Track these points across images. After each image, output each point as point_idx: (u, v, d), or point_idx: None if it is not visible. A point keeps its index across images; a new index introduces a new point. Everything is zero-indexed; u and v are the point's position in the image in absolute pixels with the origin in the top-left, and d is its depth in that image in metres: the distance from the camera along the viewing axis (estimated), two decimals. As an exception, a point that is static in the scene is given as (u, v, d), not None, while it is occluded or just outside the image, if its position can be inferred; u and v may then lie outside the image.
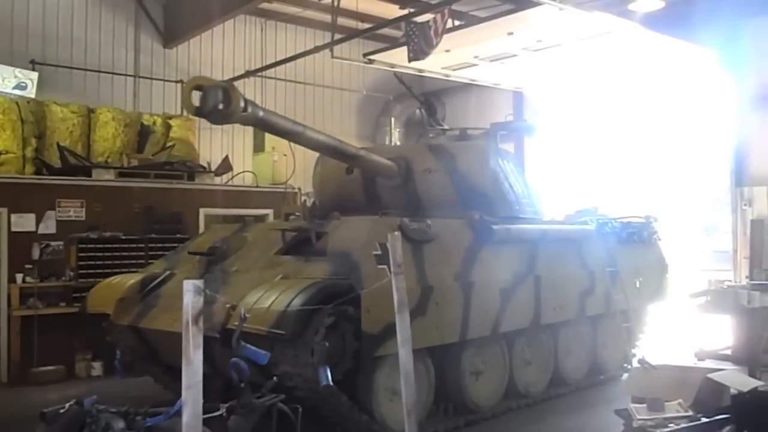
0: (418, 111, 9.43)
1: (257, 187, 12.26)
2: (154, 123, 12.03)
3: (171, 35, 13.11)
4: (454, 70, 12.76)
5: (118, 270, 8.92)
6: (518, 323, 7.54)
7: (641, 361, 8.06)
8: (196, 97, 5.54)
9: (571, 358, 8.63)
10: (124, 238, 10.11)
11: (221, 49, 13.96)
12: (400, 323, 4.68)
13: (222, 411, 4.54)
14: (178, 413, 3.66)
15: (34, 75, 11.51)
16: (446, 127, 9.62)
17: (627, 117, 13.96)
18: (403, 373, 4.71)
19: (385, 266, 5.82)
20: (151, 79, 12.97)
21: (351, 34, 12.30)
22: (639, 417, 5.24)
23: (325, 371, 5.53)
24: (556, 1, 9.37)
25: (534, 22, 10.29)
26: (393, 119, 14.95)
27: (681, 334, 10.92)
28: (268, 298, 5.96)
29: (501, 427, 7.28)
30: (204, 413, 4.07)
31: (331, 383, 5.57)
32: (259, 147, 13.29)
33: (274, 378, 5.43)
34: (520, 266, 7.60)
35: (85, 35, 12.38)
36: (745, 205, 12.06)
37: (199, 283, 3.31)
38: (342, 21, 12.90)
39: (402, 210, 7.73)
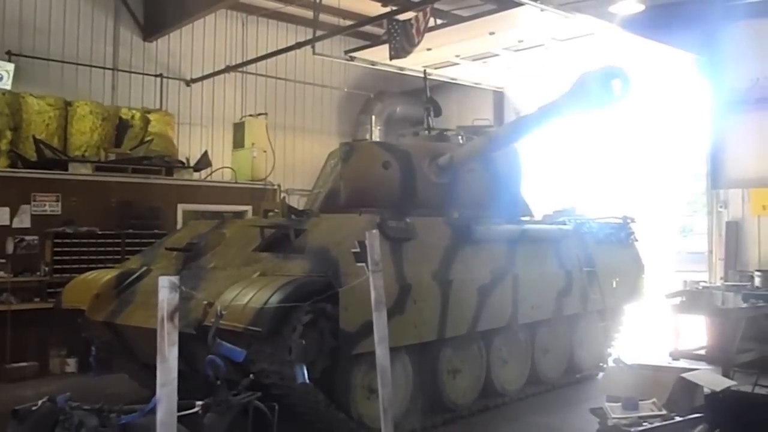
0: (424, 110, 9.37)
1: (236, 183, 12.20)
2: (133, 117, 11.92)
3: (151, 28, 12.99)
4: (435, 68, 12.77)
5: (94, 265, 8.83)
6: (496, 322, 7.57)
7: (616, 361, 8.14)
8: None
9: (548, 357, 8.67)
10: (100, 233, 10.00)
11: (202, 44, 13.85)
12: (378, 321, 4.68)
13: (197, 409, 4.50)
14: (153, 411, 3.62)
15: (10, 66, 11.33)
16: (449, 127, 9.61)
17: (605, 118, 14.05)
18: (380, 371, 4.71)
19: (363, 264, 5.81)
20: (130, 72, 12.83)
21: (333, 31, 12.27)
22: (614, 416, 5.29)
23: (302, 369, 5.53)
24: (538, 1, 9.42)
25: (516, 22, 10.34)
26: (374, 117, 14.93)
27: (656, 334, 11.01)
28: (246, 296, 5.94)
29: (478, 426, 7.31)
30: (179, 411, 4.04)
31: (307, 381, 5.56)
32: (238, 143, 13.20)
33: (251, 375, 5.41)
34: (499, 265, 7.63)
35: (63, 27, 12.22)
36: (721, 207, 12.20)
37: (175, 279, 3.29)
38: (324, 18, 12.86)
39: (436, 208, 7.77)
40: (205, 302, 6.04)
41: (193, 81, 13.41)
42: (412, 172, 8.10)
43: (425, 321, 6.78)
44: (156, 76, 13.07)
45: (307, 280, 6.06)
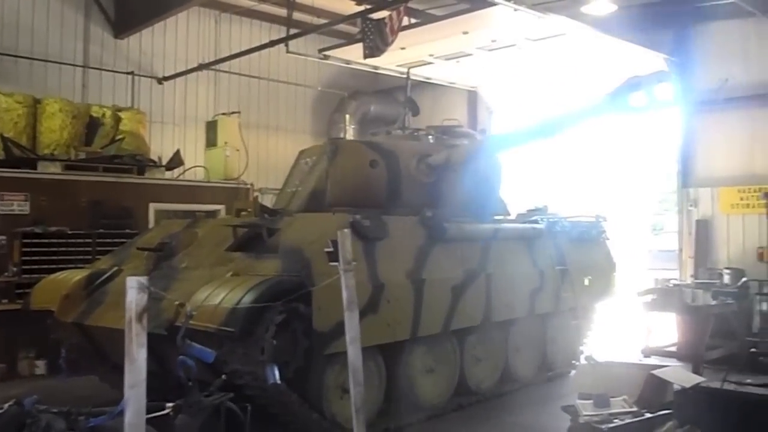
0: (402, 110, 9.39)
1: (209, 182, 12.10)
2: (104, 115, 11.74)
3: (122, 25, 12.82)
4: (409, 67, 12.76)
5: (63, 266, 8.69)
6: (469, 321, 7.61)
7: (588, 358, 8.21)
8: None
9: (521, 355, 8.73)
10: (70, 233, 9.85)
11: (174, 41, 13.72)
12: (349, 321, 4.67)
13: (168, 410, 4.45)
14: (122, 413, 3.58)
15: (-22, 63, 11.14)
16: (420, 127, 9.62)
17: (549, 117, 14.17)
18: (352, 371, 4.70)
19: (337, 263, 5.79)
20: (101, 69, 12.66)
21: (306, 30, 12.20)
22: (585, 413, 5.33)
23: (273, 369, 5.49)
24: (511, 1, 9.45)
25: (489, 22, 10.37)
26: (348, 116, 14.89)
27: (628, 331, 11.14)
28: (218, 296, 5.90)
29: (452, 424, 7.33)
30: (149, 412, 4.00)
31: (279, 381, 5.53)
32: (211, 141, 13.09)
33: (223, 376, 5.37)
34: (472, 264, 7.65)
35: (31, 23, 12.02)
36: (691, 205, 12.35)
37: (143, 280, 3.25)
38: (298, 16, 12.81)
39: (421, 208, 7.76)
40: (177, 302, 5.99)
41: (166, 79, 13.26)
42: (399, 171, 8.14)
43: (399, 320, 6.79)
44: (127, 73, 12.91)
45: (280, 279, 6.03)
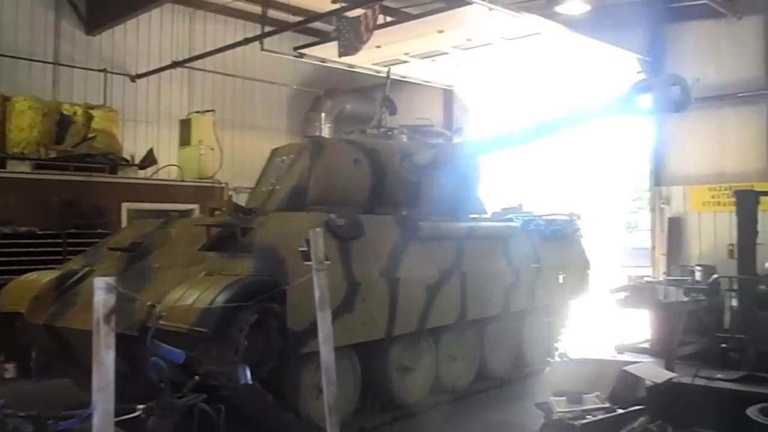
0: (379, 108, 9.37)
1: (183, 181, 11.99)
2: (75, 113, 11.58)
3: (94, 22, 12.66)
4: (384, 66, 12.77)
5: (33, 267, 8.51)
6: (444, 319, 7.61)
7: (561, 355, 8.27)
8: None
9: (497, 353, 8.76)
10: (40, 233, 9.69)
11: (147, 39, 13.58)
12: (322, 320, 4.65)
13: (139, 412, 4.40)
14: (92, 416, 3.52)
15: (-56, 60, 10.93)
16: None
17: (539, 115, 14.25)
18: (325, 370, 4.68)
19: (311, 262, 5.77)
20: (72, 67, 12.49)
21: (281, 27, 12.15)
22: (558, 410, 5.37)
23: (244, 369, 5.45)
24: (486, 1, 9.48)
25: (464, 21, 10.41)
26: (323, 114, 14.85)
27: (602, 328, 11.22)
28: (191, 296, 5.84)
29: (428, 423, 7.33)
30: (119, 415, 3.95)
31: (250, 381, 5.48)
32: (185, 140, 12.95)
33: (196, 377, 5.32)
34: (447, 263, 7.66)
35: (0, 18, 11.83)
36: (664, 203, 12.50)
37: (111, 280, 3.20)
38: (272, 13, 12.74)
39: (404, 207, 7.81)
40: (149, 303, 5.93)
41: (138, 76, 13.12)
42: (382, 169, 8.14)
43: (374, 319, 6.77)
44: (99, 71, 12.75)
45: (254, 279, 5.98)
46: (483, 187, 9.57)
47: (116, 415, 3.94)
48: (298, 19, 13.01)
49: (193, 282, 6.08)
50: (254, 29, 12.71)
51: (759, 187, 10.28)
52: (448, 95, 15.31)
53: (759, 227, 8.95)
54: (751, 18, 11.48)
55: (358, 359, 6.97)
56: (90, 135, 11.43)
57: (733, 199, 9.19)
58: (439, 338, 7.82)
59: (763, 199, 9.42)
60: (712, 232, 11.99)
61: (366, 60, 12.32)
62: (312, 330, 5.82)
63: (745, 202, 8.89)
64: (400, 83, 14.22)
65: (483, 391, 8.40)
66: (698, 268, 11.09)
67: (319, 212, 7.08)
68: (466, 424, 7.30)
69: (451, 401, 7.94)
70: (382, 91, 11.98)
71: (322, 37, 12.91)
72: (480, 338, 8.46)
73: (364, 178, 8.05)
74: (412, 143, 8.89)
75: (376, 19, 9.97)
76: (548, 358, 9.55)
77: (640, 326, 10.35)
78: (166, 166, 12.43)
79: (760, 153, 11.60)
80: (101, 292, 3.14)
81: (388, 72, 10.18)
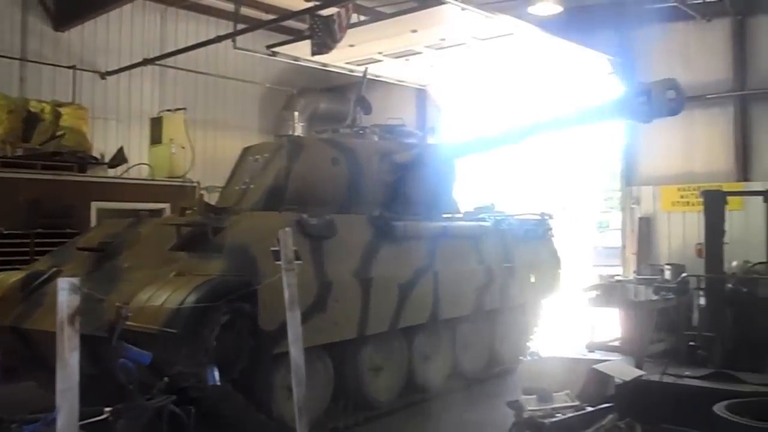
0: (354, 108, 9.36)
1: (153, 180, 11.87)
2: (43, 110, 11.39)
3: (63, 18, 12.46)
4: (358, 65, 12.77)
5: (-1, 267, 8.41)
6: (417, 319, 7.61)
7: (532, 354, 8.32)
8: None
9: (469, 352, 8.78)
10: (6, 233, 9.52)
11: (118, 35, 13.41)
12: (291, 320, 4.63)
13: (106, 415, 4.33)
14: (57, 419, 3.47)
15: None
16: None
17: (526, 117, 14.33)
18: (294, 370, 4.66)
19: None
20: (40, 63, 12.29)
21: (254, 25, 12.08)
22: (529, 408, 5.40)
23: (212, 370, 5.40)
24: (459, 1, 9.51)
25: (437, 20, 10.43)
26: (296, 113, 14.79)
27: (573, 326, 11.32)
28: (161, 296, 5.79)
29: (400, 423, 7.34)
30: (86, 417, 3.89)
31: (218, 383, 5.43)
32: (156, 138, 12.82)
33: (165, 379, 5.26)
34: (419, 262, 7.66)
35: (-35, 14, 11.63)
36: (634, 203, 12.65)
37: (75, 280, 3.15)
38: (245, 11, 12.67)
39: (382, 207, 7.78)
40: (118, 304, 5.85)
41: (109, 74, 12.95)
42: (361, 169, 8.14)
43: (346, 319, 6.76)
44: (68, 67, 12.56)
45: (225, 279, 5.94)
46: (457, 187, 9.61)
47: (83, 418, 3.89)
48: (271, 17, 12.95)
49: (163, 282, 6.03)
50: (227, 27, 12.62)
51: (726, 187, 10.47)
52: (421, 95, 15.34)
53: (726, 227, 9.10)
54: (719, 21, 11.67)
55: (330, 359, 6.95)
56: (58, 133, 11.26)
57: (701, 199, 9.32)
58: (411, 338, 7.82)
59: (731, 199, 9.58)
60: (681, 231, 12.15)
61: (339, 59, 12.30)
62: (283, 330, 5.76)
63: (713, 202, 9.03)
64: (374, 82, 14.19)
65: (456, 391, 8.42)
66: (668, 267, 11.22)
67: (291, 212, 7.04)
68: (439, 424, 7.31)
69: (423, 401, 7.94)
70: (355, 90, 11.99)
71: (296, 36, 12.86)
72: (452, 338, 8.48)
73: (342, 177, 8.05)
74: (390, 143, 8.90)
75: (349, 18, 9.95)
76: (520, 357, 9.60)
77: (611, 325, 10.45)
78: (136, 164, 12.31)
79: (728, 154, 11.80)
80: (65, 292, 3.09)
81: (365, 71, 10.16)
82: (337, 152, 8.12)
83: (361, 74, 12.98)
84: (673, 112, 6.45)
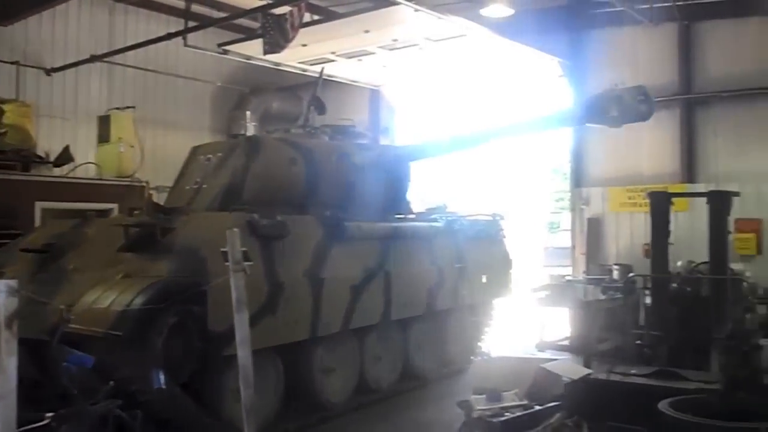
0: (307, 108, 9.32)
1: (101, 179, 11.61)
2: (-16, 108, 11.08)
3: (6, 11, 12.05)
4: (311, 64, 12.71)
5: (-63, 269, 8.11)
6: (369, 319, 7.63)
7: (482, 354, 8.39)
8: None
9: (421, 352, 8.83)
10: (-54, 233, 9.23)
11: (64, 30, 13.07)
12: (239, 322, 4.59)
13: (48, 420, 4.23)
14: (-5, 426, 3.36)
15: None
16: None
17: (478, 118, 14.48)
18: (242, 373, 4.62)
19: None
20: (-19, 58, 11.93)
21: (205, 23, 11.92)
22: (478, 408, 5.45)
23: (158, 374, 5.31)
24: (412, 2, 9.53)
25: (390, 21, 10.44)
26: (249, 113, 14.60)
27: (524, 326, 11.46)
28: (107, 298, 5.73)
29: (352, 424, 7.34)
30: (28, 423, 3.78)
31: (163, 386, 5.35)
32: (104, 137, 12.52)
33: (111, 383, 5.16)
34: (371, 263, 7.68)
35: None
36: (583, 204, 12.85)
37: (12, 282, 3.06)
38: (196, 8, 12.48)
39: (339, 207, 7.81)
40: (62, 307, 5.73)
41: (54, 70, 12.61)
42: (318, 169, 8.14)
43: (297, 320, 6.74)
44: (12, 63, 12.20)
45: (174, 281, 5.89)
46: (411, 189, 9.66)
47: (24, 424, 3.79)
48: (222, 15, 12.77)
49: (109, 284, 5.94)
50: (177, 24, 12.41)
51: (672, 189, 10.72)
52: (375, 95, 15.34)
53: (671, 227, 9.31)
54: (666, 25, 11.93)
55: (281, 361, 6.91)
56: (1, 130, 10.94)
57: (648, 201, 9.52)
58: (363, 338, 7.83)
59: (676, 200, 9.82)
60: (629, 232, 12.40)
61: (292, 58, 12.22)
62: (233, 332, 5.72)
63: (658, 204, 9.23)
64: (327, 83, 14.12)
65: (408, 391, 8.46)
66: (616, 267, 11.46)
67: (243, 212, 6.96)
68: (390, 425, 7.33)
69: (375, 401, 7.95)
70: (308, 89, 11.96)
71: (248, 34, 12.72)
72: (404, 338, 8.52)
73: (300, 177, 8.04)
74: (348, 144, 8.93)
75: (302, 17, 9.87)
76: (471, 357, 9.68)
77: (561, 324, 10.61)
78: (83, 164, 11.99)
79: (674, 156, 12.08)
80: (2, 295, 2.99)
81: (321, 71, 10.13)
82: (294, 152, 8.11)
83: (314, 74, 12.98)
84: (644, 118, 6.61)
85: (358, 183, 8.43)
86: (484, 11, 11.35)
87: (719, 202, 8.92)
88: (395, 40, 11.44)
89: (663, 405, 5.46)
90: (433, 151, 8.78)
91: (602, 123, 6.97)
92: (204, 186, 8.11)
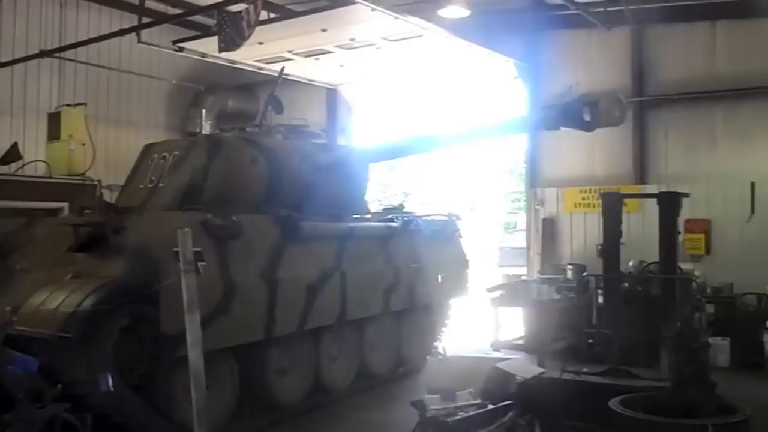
0: (265, 106, 9.23)
1: (51, 178, 11.34)
2: (-72, 103, 10.74)
3: (-49, 5, 11.76)
4: (267, 63, 12.61)
5: None
6: (324, 320, 7.61)
7: (436, 353, 8.43)
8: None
9: (377, 352, 8.83)
10: None
11: (12, 24, 12.70)
12: (190, 323, 4.54)
13: (-9, 425, 4.13)
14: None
15: None
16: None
17: (435, 118, 14.56)
18: (193, 375, 4.56)
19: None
20: (-76, 53, 11.54)
21: (159, 20, 11.71)
22: (432, 407, 5.47)
23: (105, 376, 5.22)
24: (369, 1, 9.52)
25: (347, 20, 10.40)
26: (204, 111, 14.44)
27: (479, 326, 11.56)
28: (56, 299, 5.62)
29: (306, 425, 7.31)
30: (-32, 429, 3.68)
31: (111, 389, 5.26)
32: (54, 134, 12.23)
33: (59, 386, 5.06)
34: (327, 263, 7.66)
35: None
36: (538, 205, 13.00)
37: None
38: (151, 4, 12.28)
39: (296, 207, 7.74)
40: (8, 308, 5.61)
41: (2, 65, 12.26)
42: (280, 169, 8.09)
43: (252, 321, 6.68)
44: (-44, 57, 11.85)
45: (125, 281, 5.81)
46: (369, 190, 9.67)
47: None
48: (177, 11, 12.58)
49: (58, 285, 5.84)
50: (131, 20, 12.18)
51: (624, 190, 10.93)
52: (332, 95, 15.29)
53: (623, 228, 9.48)
54: (619, 29, 12.14)
55: (235, 362, 6.85)
56: (-55, 127, 10.65)
57: (601, 201, 9.66)
58: (319, 339, 7.80)
59: (629, 201, 10.00)
60: (583, 232, 12.59)
61: (248, 56, 12.09)
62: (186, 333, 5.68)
63: (611, 204, 9.37)
64: (284, 81, 14.03)
65: (363, 391, 8.45)
66: (570, 266, 11.63)
67: (196, 212, 6.87)
68: (345, 425, 7.33)
69: (330, 402, 7.93)
70: (265, 88, 11.86)
71: (203, 32, 12.55)
72: (360, 338, 8.51)
73: (262, 177, 7.98)
74: (309, 144, 8.91)
75: (258, 15, 9.75)
76: (428, 357, 9.72)
77: (515, 323, 10.73)
78: (32, 161, 11.72)
79: (627, 158, 12.31)
80: (-59, 298, 2.90)
81: (281, 70, 10.05)
82: (256, 152, 8.03)
83: (271, 72, 12.88)
84: (617, 123, 6.73)
85: (319, 183, 8.40)
86: (442, 12, 11.40)
87: (669, 203, 9.11)
88: (352, 40, 11.41)
89: (614, 403, 5.57)
90: (394, 153, 8.80)
91: (576, 127, 7.04)
92: (161, 185, 7.96)
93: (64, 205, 10.84)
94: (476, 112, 13.96)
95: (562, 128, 7.14)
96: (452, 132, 8.74)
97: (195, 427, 4.57)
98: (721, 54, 11.62)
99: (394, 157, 8.93)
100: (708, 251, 11.34)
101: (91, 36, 11.99)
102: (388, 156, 8.84)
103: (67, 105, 12.63)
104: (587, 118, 6.70)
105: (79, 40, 12.07)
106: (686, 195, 9.45)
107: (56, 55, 12.34)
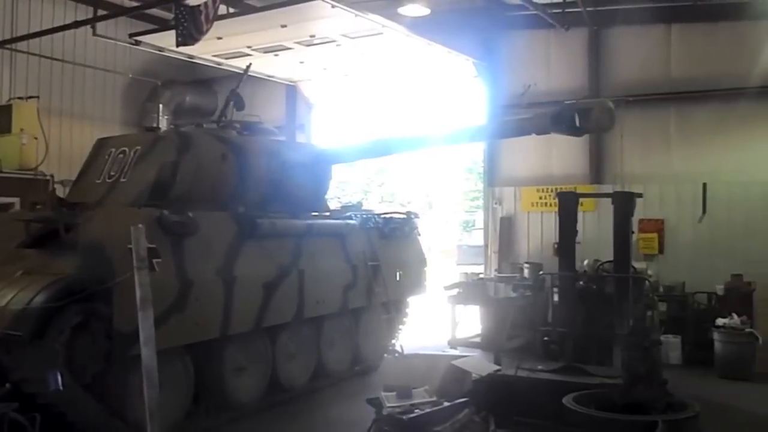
0: (226, 103, 9.12)
1: (1, 172, 11.06)
2: None
3: None
4: (226, 58, 12.47)
5: None
6: (281, 317, 7.58)
7: (392, 351, 8.46)
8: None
9: (335, 350, 8.83)
10: None
11: (-39, 15, 12.37)
12: (143, 321, 4.48)
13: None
14: None
15: None
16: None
17: (394, 115, 14.59)
18: (146, 373, 4.51)
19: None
20: None
21: (114, 12, 11.51)
22: (388, 405, 5.49)
23: (55, 375, 5.12)
24: (330, -2, 9.49)
25: (307, 16, 10.35)
26: (161, 105, 14.23)
27: (437, 324, 11.62)
28: (5, 296, 5.55)
29: (263, 423, 7.27)
30: None
31: (60, 388, 5.16)
32: (4, 128, 11.90)
33: (7, 385, 4.95)
34: (284, 260, 7.63)
35: None
36: (496, 203, 13.11)
37: None
38: (107, -4, 12.05)
39: (262, 205, 7.78)
40: (-45, 306, 5.46)
41: (-50, 56, 11.95)
42: (248, 167, 8.05)
43: (208, 318, 6.62)
44: None
45: (78, 278, 5.74)
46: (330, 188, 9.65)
47: None
48: (134, 4, 12.37)
49: (8, 281, 5.74)
50: (86, 12, 11.93)
51: (580, 189, 11.09)
52: (291, 91, 15.20)
53: (579, 227, 9.62)
54: (577, 30, 12.32)
55: (191, 360, 6.78)
56: None
57: (557, 201, 9.79)
58: (276, 337, 7.77)
59: (584, 200, 10.15)
60: (540, 231, 12.74)
61: (206, 51, 11.94)
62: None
63: (566, 203, 9.52)
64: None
65: (321, 389, 8.45)
66: (526, 265, 11.75)
67: (151, 208, 6.76)
68: (301, 423, 7.31)
69: (287, 400, 7.91)
70: (223, 84, 11.74)
71: (161, 25, 12.36)
72: (318, 336, 8.49)
73: (231, 174, 7.92)
74: (277, 142, 8.92)
75: (216, 9, 9.65)
76: (386, 355, 9.74)
77: (472, 321, 10.82)
78: (-19, 155, 11.41)
79: (583, 158, 12.48)
80: None
81: (247, 67, 9.94)
82: (225, 148, 7.96)
83: (231, 68, 12.76)
84: (606, 129, 6.84)
85: (284, 181, 8.40)
86: (402, 10, 11.44)
87: (623, 203, 9.28)
88: (312, 36, 11.36)
89: (567, 399, 5.66)
90: (358, 155, 8.82)
91: (567, 133, 7.12)
92: (123, 180, 7.72)
93: (16, 200, 10.56)
94: (436, 111, 13.99)
95: (554, 132, 7.22)
96: (433, 134, 8.76)
97: (147, 426, 4.51)
98: (676, 57, 11.86)
99: (357, 159, 8.94)
100: (661, 250, 11.56)
101: (44, 27, 11.73)
102: (353, 158, 8.85)
103: (19, 98, 12.30)
104: (578, 124, 6.80)
105: (32, 31, 11.77)
106: (640, 195, 9.63)
107: (8, 46, 12.04)
